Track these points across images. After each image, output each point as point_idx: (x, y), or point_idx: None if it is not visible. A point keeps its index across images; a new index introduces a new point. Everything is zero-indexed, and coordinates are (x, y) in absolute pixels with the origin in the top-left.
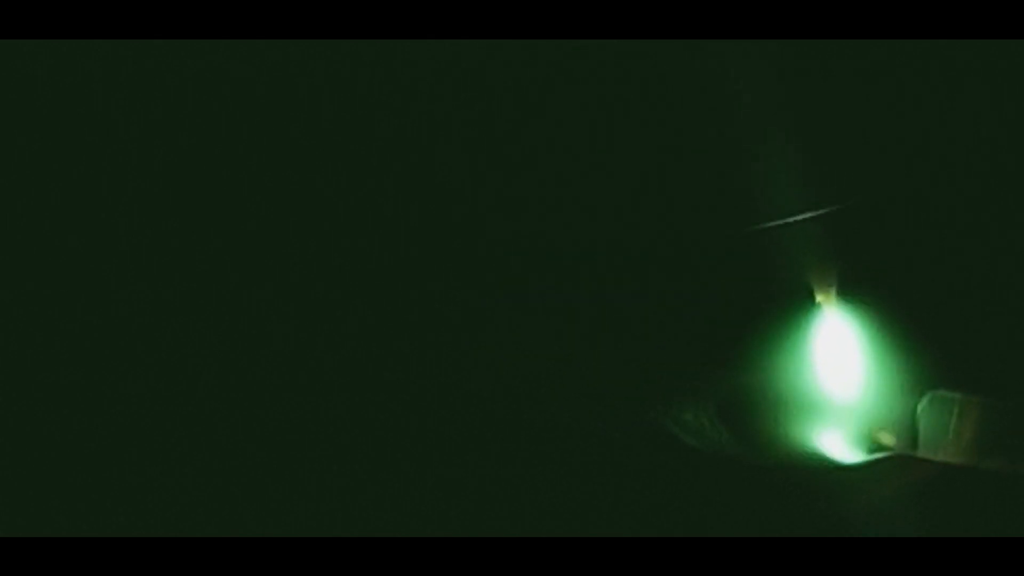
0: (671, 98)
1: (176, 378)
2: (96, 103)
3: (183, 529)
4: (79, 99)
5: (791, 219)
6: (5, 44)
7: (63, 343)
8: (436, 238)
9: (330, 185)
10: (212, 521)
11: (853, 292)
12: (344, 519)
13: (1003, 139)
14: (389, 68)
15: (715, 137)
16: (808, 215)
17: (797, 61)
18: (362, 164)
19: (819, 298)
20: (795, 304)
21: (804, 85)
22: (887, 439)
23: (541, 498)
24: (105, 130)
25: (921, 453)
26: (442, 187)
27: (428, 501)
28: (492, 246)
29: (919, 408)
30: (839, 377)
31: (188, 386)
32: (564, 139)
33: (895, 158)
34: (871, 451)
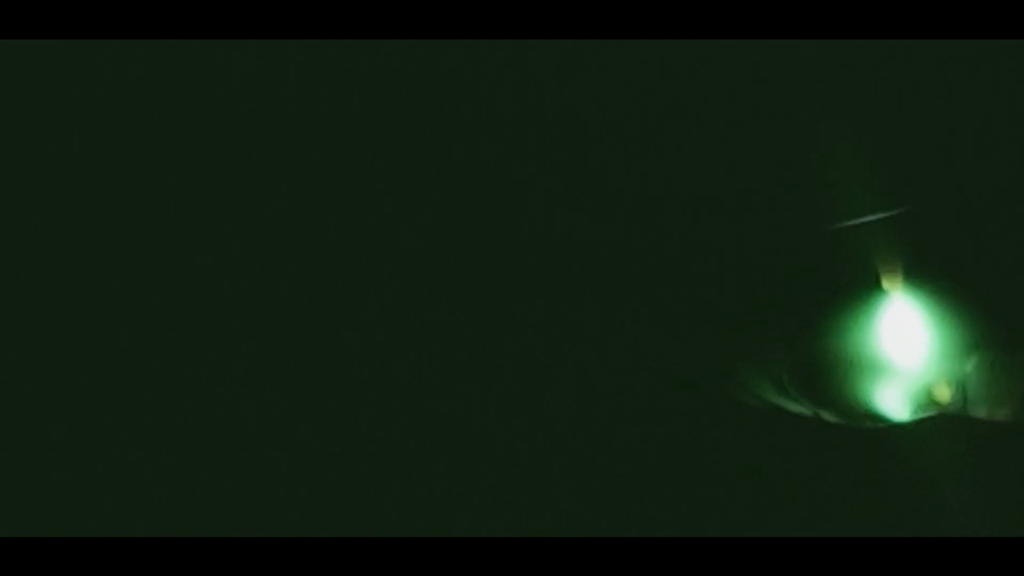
0: (741, 99)
1: (176, 378)
2: (95, 103)
3: (183, 529)
4: (79, 99)
5: (861, 220)
6: (5, 44)
7: (62, 343)
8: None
9: (329, 185)
10: (212, 521)
11: (918, 281)
12: (344, 519)
13: None
14: (389, 68)
15: (789, 141)
16: (876, 216)
17: (866, 60)
18: (362, 164)
19: (887, 286)
20: (864, 292)
21: (867, 84)
22: (943, 394)
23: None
24: (105, 130)
25: (972, 411)
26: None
27: (448, 500)
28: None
29: (970, 368)
30: (902, 346)
31: (188, 386)
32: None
33: (948, 160)
34: (926, 409)
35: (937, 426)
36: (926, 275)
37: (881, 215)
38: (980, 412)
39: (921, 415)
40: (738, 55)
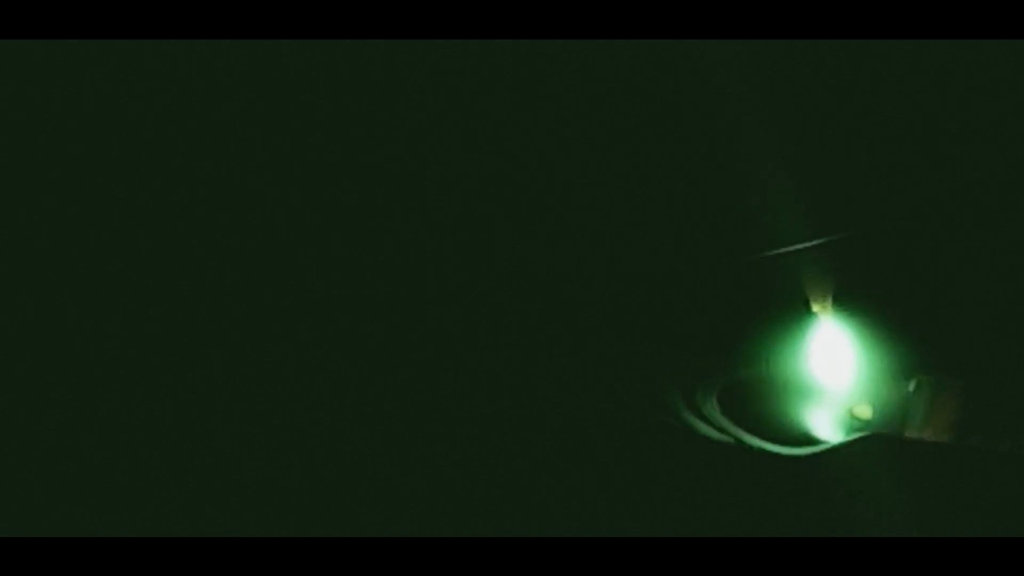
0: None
1: (176, 378)
2: (95, 103)
3: (183, 529)
4: (78, 99)
5: (792, 248)
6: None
7: (63, 343)
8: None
9: (328, 186)
10: (212, 521)
11: (847, 304)
12: (343, 519)
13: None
14: (389, 68)
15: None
16: (808, 243)
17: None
18: (361, 165)
19: (816, 310)
20: (793, 315)
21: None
22: (864, 412)
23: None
24: (105, 131)
25: (908, 433)
26: (444, 191)
27: (429, 501)
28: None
29: (907, 391)
30: (833, 370)
31: (188, 386)
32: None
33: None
34: (856, 430)
35: (869, 447)
36: (858, 301)
37: (813, 242)
38: (914, 434)
39: (853, 437)
40: (673, 77)
